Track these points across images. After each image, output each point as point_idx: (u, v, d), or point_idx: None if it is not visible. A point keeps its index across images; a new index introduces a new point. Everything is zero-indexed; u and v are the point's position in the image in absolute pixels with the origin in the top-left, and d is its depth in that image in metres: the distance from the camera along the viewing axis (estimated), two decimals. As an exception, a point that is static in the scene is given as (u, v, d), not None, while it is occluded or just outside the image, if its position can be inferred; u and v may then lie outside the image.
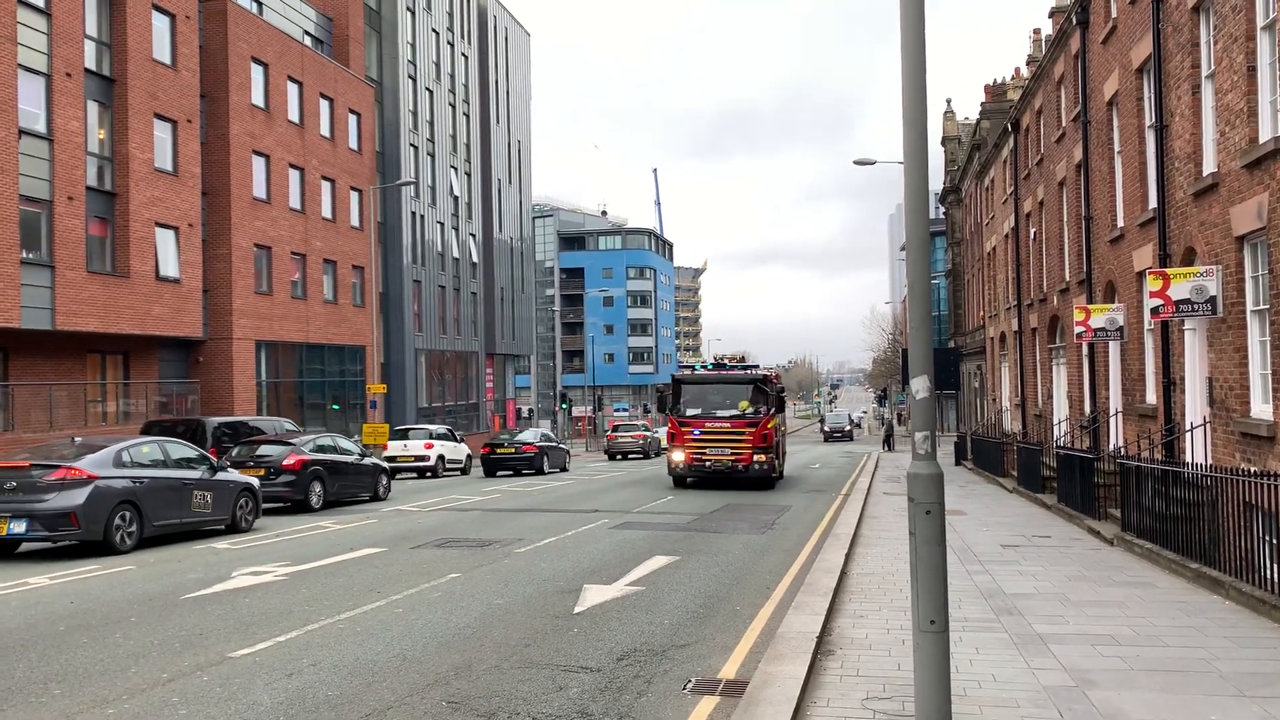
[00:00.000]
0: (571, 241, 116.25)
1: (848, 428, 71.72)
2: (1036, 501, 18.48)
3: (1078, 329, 16.68)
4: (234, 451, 19.70)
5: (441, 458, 32.03)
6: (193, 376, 32.25)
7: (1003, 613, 8.55)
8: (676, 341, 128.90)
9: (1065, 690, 6.16)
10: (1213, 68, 11.89)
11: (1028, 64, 33.24)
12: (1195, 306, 11.56)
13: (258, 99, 34.39)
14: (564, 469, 34.52)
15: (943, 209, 53.45)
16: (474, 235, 55.05)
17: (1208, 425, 12.03)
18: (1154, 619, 8.23)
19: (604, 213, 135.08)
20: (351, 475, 21.15)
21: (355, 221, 40.67)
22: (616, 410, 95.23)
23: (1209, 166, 12.13)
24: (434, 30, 50.53)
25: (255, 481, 16.62)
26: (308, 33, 40.78)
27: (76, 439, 14.79)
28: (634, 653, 7.42)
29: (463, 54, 54.21)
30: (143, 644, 7.74)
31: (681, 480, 23.63)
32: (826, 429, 72.16)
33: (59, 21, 25.35)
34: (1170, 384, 13.71)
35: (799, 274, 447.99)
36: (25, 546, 13.52)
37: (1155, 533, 11.41)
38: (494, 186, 57.59)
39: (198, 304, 30.70)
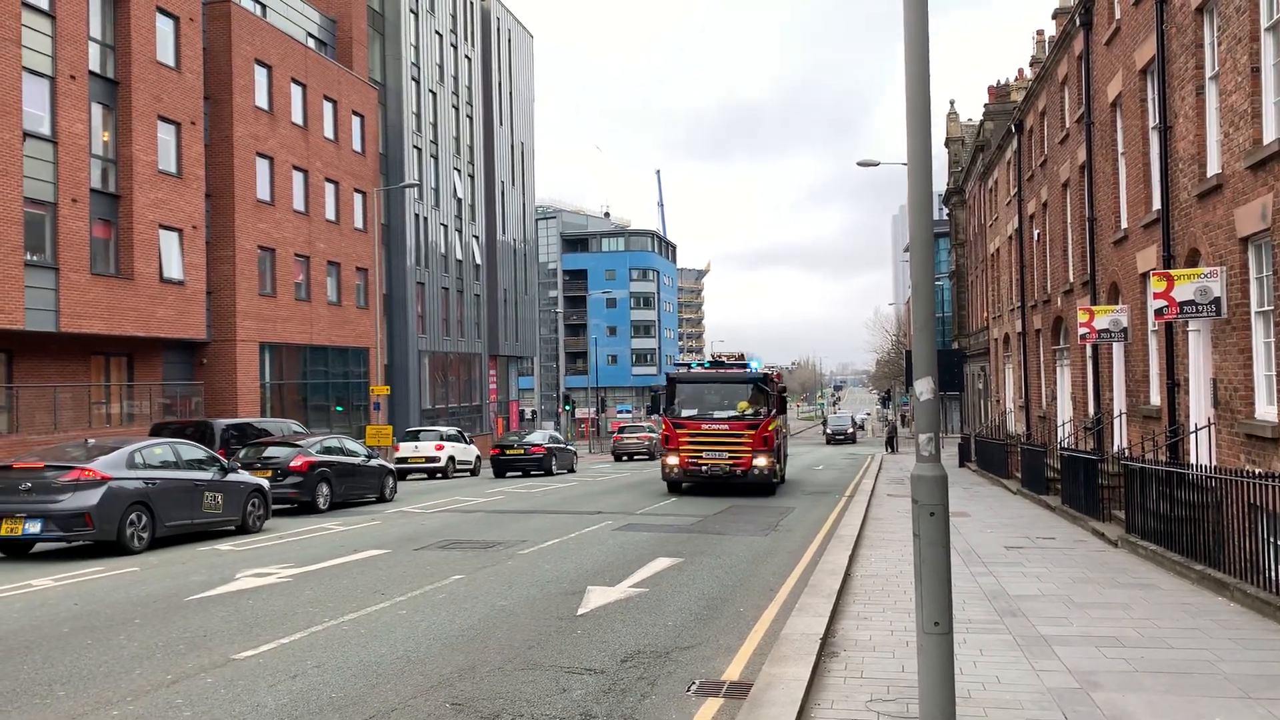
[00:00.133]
0: (574, 243, 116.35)
1: (850, 430, 68.89)
2: (1040, 503, 18.46)
3: (1082, 330, 16.66)
4: (242, 453, 19.77)
5: (452, 459, 32.42)
6: (196, 378, 32.29)
7: (1007, 614, 8.54)
8: (680, 343, 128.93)
9: (1069, 692, 6.15)
10: (1216, 69, 11.87)
11: (1031, 65, 33.21)
12: (1199, 308, 11.54)
13: (261, 101, 34.44)
14: (571, 470, 34.91)
15: (946, 210, 53.44)
16: (477, 237, 55.09)
17: (1212, 427, 12.01)
18: (1158, 621, 8.22)
19: (607, 214, 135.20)
20: (358, 477, 21.23)
21: (359, 223, 40.73)
22: (619, 412, 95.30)
23: (1213, 168, 12.11)
24: (437, 32, 50.60)
25: (265, 483, 16.72)
26: (311, 35, 40.84)
27: (90, 440, 14.86)
28: (638, 654, 7.41)
29: (466, 56, 54.28)
30: (147, 645, 7.75)
31: (676, 486, 22.45)
32: (828, 432, 69.10)
33: (63, 24, 25.40)
34: (1174, 385, 13.69)
35: (802, 275, 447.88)
36: (40, 546, 13.62)
37: (1159, 534, 11.39)
38: (497, 188, 57.65)
39: (201, 306, 30.76)
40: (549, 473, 32.43)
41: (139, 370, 29.72)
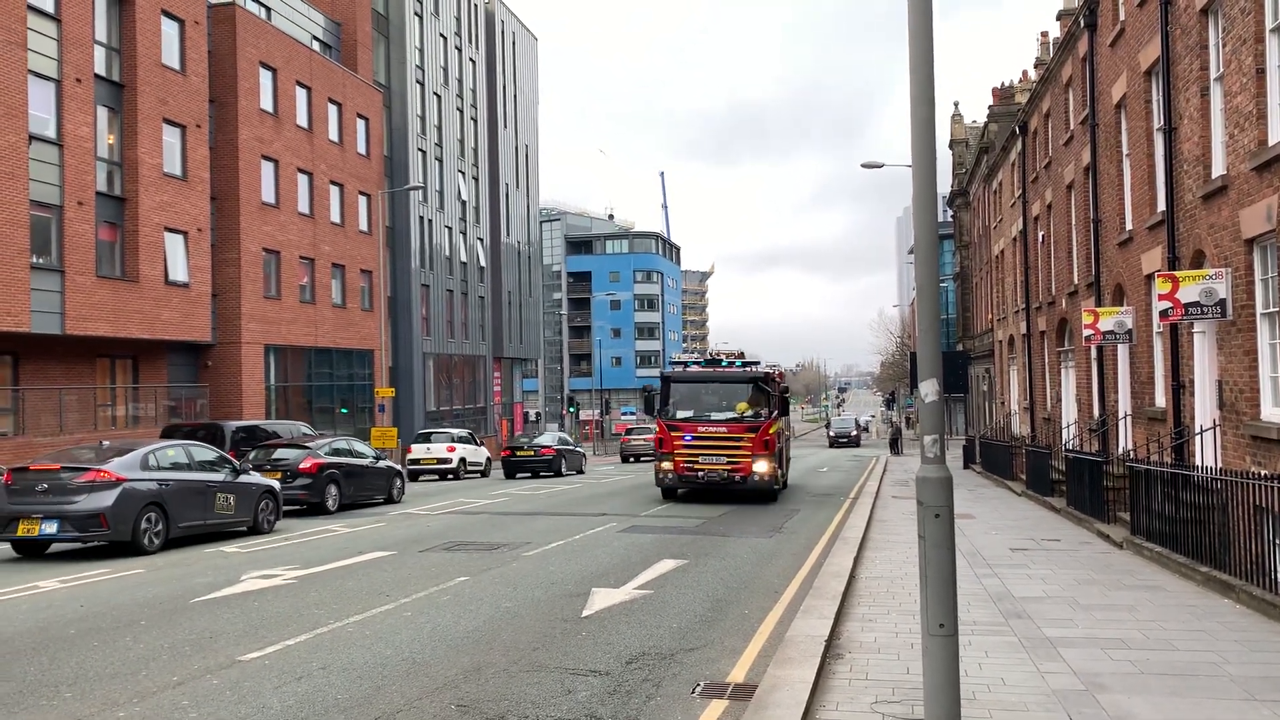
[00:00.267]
0: (579, 245, 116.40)
1: (854, 432, 66.17)
2: (1045, 505, 18.43)
3: (1086, 332, 16.63)
4: (252, 454, 19.88)
5: (463, 460, 32.86)
6: (201, 380, 32.36)
7: (1012, 616, 8.53)
8: (684, 345, 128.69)
9: (1075, 694, 6.15)
10: (1221, 70, 11.86)
11: (1035, 67, 33.21)
12: (1204, 309, 11.51)
13: (266, 104, 34.52)
14: (580, 471, 35.22)
15: (950, 212, 53.41)
16: (481, 239, 55.17)
17: (1217, 428, 11.98)
18: (1164, 622, 8.21)
19: (611, 216, 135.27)
20: (366, 478, 21.33)
21: (364, 226, 40.80)
22: (624, 414, 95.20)
23: (1218, 169, 12.09)
24: (441, 35, 50.69)
25: (276, 484, 16.85)
26: (316, 38, 40.91)
27: (104, 442, 14.96)
28: (642, 656, 7.42)
29: (470, 59, 54.36)
30: (152, 647, 7.77)
31: (671, 492, 20.86)
32: (832, 434, 66.02)
33: (69, 27, 25.49)
34: (1179, 387, 13.67)
35: (806, 277, 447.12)
36: (56, 547, 13.70)
37: (1165, 536, 11.37)
38: (502, 191, 57.73)
39: (206, 308, 30.82)
40: (558, 474, 32.86)
41: (144, 373, 29.80)
